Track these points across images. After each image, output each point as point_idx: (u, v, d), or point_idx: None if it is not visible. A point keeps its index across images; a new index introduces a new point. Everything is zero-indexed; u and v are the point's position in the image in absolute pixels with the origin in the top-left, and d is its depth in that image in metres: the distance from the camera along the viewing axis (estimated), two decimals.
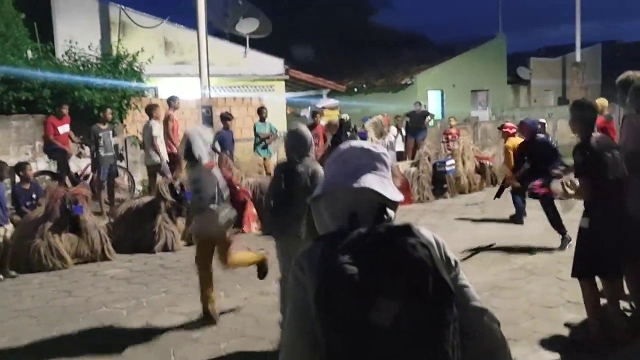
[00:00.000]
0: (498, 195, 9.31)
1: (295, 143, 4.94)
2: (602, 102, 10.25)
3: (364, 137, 11.91)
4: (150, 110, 11.21)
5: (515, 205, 9.60)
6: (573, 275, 4.74)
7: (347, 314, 1.51)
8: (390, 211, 1.74)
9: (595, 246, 4.50)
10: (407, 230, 1.61)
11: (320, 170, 4.70)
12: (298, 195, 4.65)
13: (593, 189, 4.47)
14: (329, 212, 1.75)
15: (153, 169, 11.11)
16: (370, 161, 1.77)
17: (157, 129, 11.09)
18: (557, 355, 4.68)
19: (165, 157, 11.03)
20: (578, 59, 27.76)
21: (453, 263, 1.71)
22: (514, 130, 9.43)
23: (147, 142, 11.11)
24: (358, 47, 31.63)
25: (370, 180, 1.72)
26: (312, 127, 13.10)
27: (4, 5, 12.44)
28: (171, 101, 11.81)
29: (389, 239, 1.58)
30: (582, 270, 4.66)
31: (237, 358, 4.90)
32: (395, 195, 1.74)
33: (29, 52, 12.56)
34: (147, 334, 5.44)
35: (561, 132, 21.69)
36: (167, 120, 11.54)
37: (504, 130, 9.69)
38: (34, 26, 13.50)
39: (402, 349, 1.52)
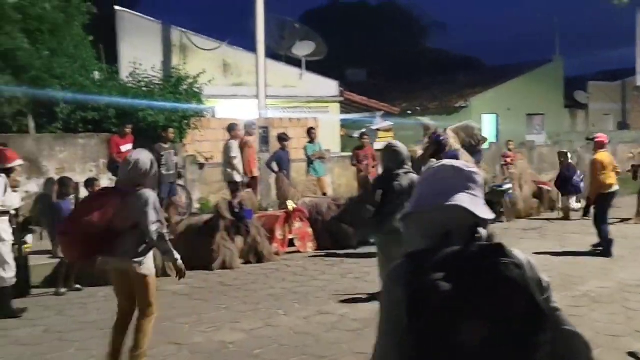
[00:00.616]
0: (585, 213, 9.34)
1: (393, 157, 5.93)
2: None
3: (453, 155, 11.78)
4: (230, 129, 11.58)
5: (601, 234, 8.99)
6: None
7: (437, 330, 1.52)
8: (482, 230, 1.74)
9: None
10: (500, 250, 1.62)
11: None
12: (398, 203, 5.41)
13: None
14: (419, 229, 1.78)
15: (232, 187, 11.37)
16: (463, 181, 1.79)
17: (235, 149, 11.41)
18: None
19: (239, 178, 11.36)
20: (639, 83, 27.07)
21: (545, 285, 1.70)
22: (607, 142, 9.22)
23: (225, 161, 11.44)
24: (411, 70, 31.73)
25: (462, 199, 1.74)
26: (360, 148, 13.17)
27: (74, 28, 12.99)
28: (248, 127, 12.07)
29: (482, 258, 1.60)
30: None
31: None
32: (487, 214, 1.75)
33: (96, 74, 13.06)
34: (209, 349, 5.55)
35: (620, 158, 21.16)
36: (243, 147, 11.82)
37: (597, 140, 9.29)
38: (100, 48, 14.06)
39: None
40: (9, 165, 6.74)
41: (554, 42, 27.88)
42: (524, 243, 10.32)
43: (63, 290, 7.76)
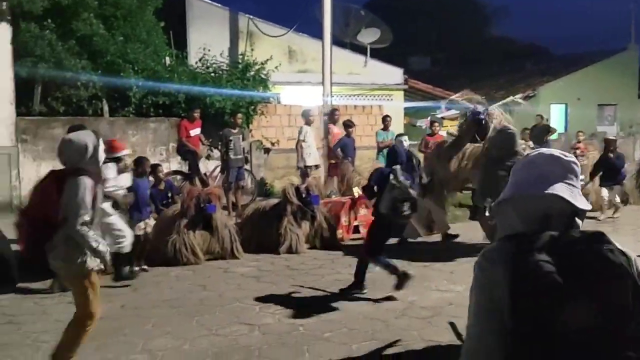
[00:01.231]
0: None
1: (506, 140, 6.80)
2: None
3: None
4: (303, 115, 12.05)
5: None
6: None
7: (542, 311, 1.53)
8: (578, 220, 1.77)
9: None
10: (601, 236, 1.64)
11: None
12: None
13: None
14: (518, 213, 1.78)
15: (301, 171, 11.52)
16: (561, 170, 1.79)
17: (305, 134, 11.57)
18: None
19: (309, 162, 11.47)
20: None
21: None
22: None
23: (298, 146, 11.75)
24: (476, 58, 31.11)
25: (561, 189, 1.74)
26: (430, 135, 13.06)
27: (147, 14, 13.29)
28: (305, 115, 12.16)
29: (585, 243, 1.61)
30: None
31: None
32: (585, 204, 1.76)
33: (167, 59, 13.35)
34: (280, 331, 5.62)
35: None
36: (327, 135, 12.17)
37: None
38: (170, 34, 14.35)
39: (593, 352, 1.53)
40: (117, 155, 7.40)
41: (629, 30, 26.79)
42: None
43: (136, 268, 7.98)
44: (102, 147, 4.33)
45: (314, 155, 11.74)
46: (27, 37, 11.31)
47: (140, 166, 8.34)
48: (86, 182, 4.05)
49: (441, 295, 6.80)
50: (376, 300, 6.52)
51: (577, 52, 29.02)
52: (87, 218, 4.04)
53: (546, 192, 1.73)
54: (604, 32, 45.63)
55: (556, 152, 1.86)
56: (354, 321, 5.86)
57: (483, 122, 8.50)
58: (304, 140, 11.67)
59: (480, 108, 9.02)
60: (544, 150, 1.88)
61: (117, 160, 7.37)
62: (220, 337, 5.46)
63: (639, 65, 26.87)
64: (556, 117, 23.33)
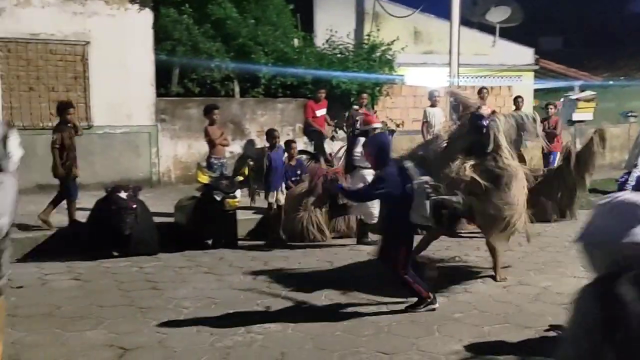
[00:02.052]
0: None
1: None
2: None
3: None
4: (429, 97, 11.99)
5: None
6: None
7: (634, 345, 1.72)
8: None
9: None
10: None
11: None
12: None
13: None
14: (604, 256, 1.90)
15: None
16: None
17: (431, 115, 11.47)
18: None
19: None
20: None
21: None
22: None
23: (424, 127, 11.80)
24: (615, 38, 29.15)
25: None
26: (546, 119, 12.34)
27: None
28: (431, 97, 11.98)
29: None
30: None
31: (502, 343, 4.82)
32: None
33: (295, 41, 13.59)
34: (409, 310, 5.58)
35: None
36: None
37: None
38: (297, 17, 14.59)
39: None
40: (373, 126, 8.31)
41: None
42: None
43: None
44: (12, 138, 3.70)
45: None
46: (166, 22, 11.92)
47: (271, 138, 8.67)
48: None
49: (578, 282, 6.46)
50: (506, 286, 6.33)
51: None
52: None
53: (627, 240, 1.82)
54: None
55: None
56: (484, 304, 5.73)
57: (484, 130, 6.13)
58: (427, 122, 11.52)
59: (484, 111, 6.36)
60: (628, 196, 1.93)
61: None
62: (348, 314, 5.52)
63: None
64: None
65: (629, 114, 14.91)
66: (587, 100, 15.95)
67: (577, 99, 15.82)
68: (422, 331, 5.07)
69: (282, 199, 8.54)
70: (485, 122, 6.14)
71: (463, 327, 5.13)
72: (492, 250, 6.55)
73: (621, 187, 8.73)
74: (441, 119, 11.63)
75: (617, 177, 9.90)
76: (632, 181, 8.77)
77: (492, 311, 5.53)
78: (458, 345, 4.77)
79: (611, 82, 22.85)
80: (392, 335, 5.00)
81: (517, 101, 12.58)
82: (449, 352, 4.64)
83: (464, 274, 6.80)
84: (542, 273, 6.75)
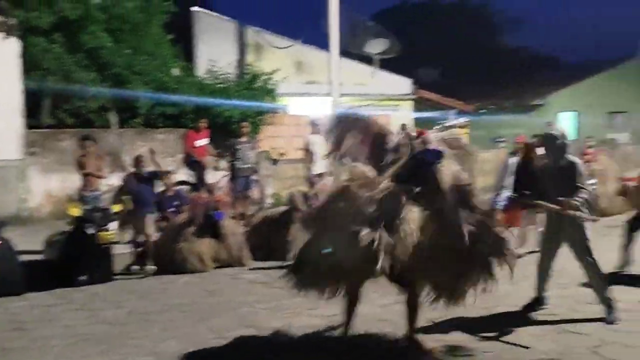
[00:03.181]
0: None
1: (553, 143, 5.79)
2: None
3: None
4: (311, 125, 11.75)
5: None
6: None
7: None
8: None
9: None
10: None
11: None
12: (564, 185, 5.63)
13: None
14: None
15: (311, 180, 11.44)
16: None
17: (316, 142, 11.48)
18: None
19: (316, 171, 11.36)
20: None
21: None
22: None
23: (307, 155, 11.61)
24: (486, 68, 31.04)
25: None
26: None
27: (153, 27, 13.38)
28: (313, 126, 12.05)
29: None
30: None
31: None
32: None
33: (175, 70, 13.40)
34: (290, 333, 5.54)
35: None
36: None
37: None
38: (178, 47, 14.43)
39: None
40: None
41: (638, 37, 26.68)
42: (605, 241, 9.87)
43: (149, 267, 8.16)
44: None
45: (320, 164, 11.61)
46: (35, 51, 11.39)
47: (136, 163, 8.53)
48: None
49: None
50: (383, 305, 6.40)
51: (587, 60, 28.92)
52: None
53: None
54: (614, 40, 45.47)
55: None
56: (362, 322, 5.76)
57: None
58: (310, 150, 11.58)
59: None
60: None
61: None
62: (227, 341, 5.38)
63: None
64: (567, 125, 23.17)
65: (498, 140, 15.77)
66: (461, 127, 16.80)
67: (452, 126, 16.61)
68: (301, 356, 5.01)
69: (150, 229, 8.27)
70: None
71: (341, 347, 5.12)
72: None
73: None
74: (322, 147, 11.72)
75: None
76: (501, 201, 9.20)
77: (368, 329, 5.57)
78: None
79: (484, 111, 24.25)
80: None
81: (404, 128, 12.97)
82: None
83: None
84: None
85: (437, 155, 4.73)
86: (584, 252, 5.68)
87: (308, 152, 11.72)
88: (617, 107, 25.46)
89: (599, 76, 25.07)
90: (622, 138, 23.32)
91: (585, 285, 6.25)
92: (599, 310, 5.73)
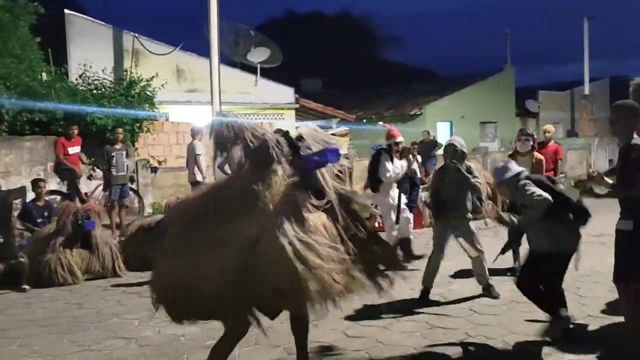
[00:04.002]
0: None
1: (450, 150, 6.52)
2: None
3: None
4: (193, 133, 11.39)
5: None
6: (617, 279, 4.47)
7: None
8: None
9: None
10: None
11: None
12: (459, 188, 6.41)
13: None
14: None
15: (195, 186, 11.10)
16: None
17: (200, 148, 11.17)
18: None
19: (199, 178, 11.05)
20: (587, 92, 27.80)
21: None
22: None
23: (190, 161, 11.19)
24: (366, 81, 31.93)
25: None
26: None
27: (19, 29, 12.63)
28: (194, 133, 11.74)
29: None
30: (626, 274, 4.42)
31: None
32: None
33: (44, 75, 12.70)
34: (159, 342, 5.37)
35: (570, 164, 21.74)
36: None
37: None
38: (48, 50, 13.71)
39: None
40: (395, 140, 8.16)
41: (506, 52, 28.44)
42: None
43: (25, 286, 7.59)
44: None
45: (202, 171, 11.39)
46: None
47: None
48: None
49: None
50: None
51: (461, 73, 30.46)
52: None
53: None
54: (485, 55, 48.30)
55: None
56: None
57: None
58: (200, 155, 11.29)
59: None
60: None
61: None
62: (93, 353, 5.12)
63: (515, 86, 28.54)
64: (442, 134, 24.24)
65: (378, 147, 16.23)
66: (342, 135, 17.12)
67: (333, 134, 16.92)
68: None
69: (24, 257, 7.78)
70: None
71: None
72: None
73: None
74: (204, 154, 11.44)
75: None
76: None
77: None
78: None
79: (364, 121, 24.88)
80: None
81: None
82: None
83: None
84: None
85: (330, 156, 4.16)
86: (472, 243, 6.53)
87: (190, 159, 11.44)
88: (488, 118, 27.01)
89: (471, 88, 26.50)
90: (492, 146, 24.74)
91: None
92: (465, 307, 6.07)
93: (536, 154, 7.75)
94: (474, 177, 6.53)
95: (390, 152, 8.07)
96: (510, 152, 8.03)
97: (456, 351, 4.91)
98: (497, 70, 28.02)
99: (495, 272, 7.08)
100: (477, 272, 6.67)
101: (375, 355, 4.81)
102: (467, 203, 6.48)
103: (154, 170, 13.40)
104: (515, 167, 5.42)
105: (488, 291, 6.59)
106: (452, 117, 25.45)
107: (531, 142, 7.69)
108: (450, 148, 6.59)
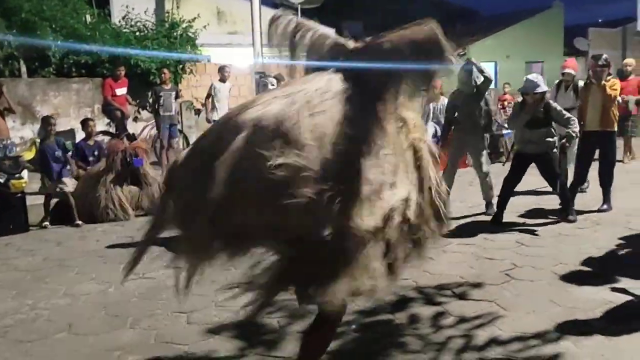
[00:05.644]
0: None
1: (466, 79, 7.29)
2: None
3: None
4: (218, 71, 11.45)
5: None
6: None
7: None
8: None
9: None
10: None
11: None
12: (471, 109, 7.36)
13: None
14: None
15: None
16: None
17: (216, 89, 11.19)
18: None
19: (214, 117, 11.08)
20: (639, 28, 26.62)
21: None
22: None
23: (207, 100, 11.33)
24: (410, 21, 31.24)
25: None
26: None
27: None
28: (221, 71, 11.70)
29: None
30: None
31: None
32: None
33: (88, 17, 12.78)
34: (210, 270, 5.49)
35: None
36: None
37: None
38: None
39: None
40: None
41: None
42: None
43: (46, 223, 7.82)
44: None
45: (223, 111, 11.32)
46: None
47: (45, 125, 8.15)
48: None
49: None
50: None
51: (505, 11, 29.53)
52: None
53: None
54: None
55: None
56: None
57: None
58: (215, 96, 11.31)
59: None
60: None
61: None
62: (147, 280, 5.29)
63: (563, 23, 27.53)
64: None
65: None
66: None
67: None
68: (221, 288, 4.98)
69: (67, 186, 7.98)
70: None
71: None
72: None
73: None
74: (227, 94, 11.42)
75: None
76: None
77: None
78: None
79: None
80: (191, 295, 4.84)
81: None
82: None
83: None
84: None
85: None
86: (480, 163, 7.34)
87: (210, 99, 11.45)
88: (534, 57, 26.22)
89: (517, 26, 25.68)
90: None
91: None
92: (510, 238, 6.09)
93: (614, 82, 7.22)
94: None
95: None
96: (583, 84, 7.40)
97: (504, 279, 4.92)
98: (545, 8, 27.04)
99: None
100: (483, 189, 7.41)
101: (424, 283, 4.85)
102: (479, 122, 7.33)
103: (197, 112, 13.49)
104: (544, 86, 6.67)
105: (487, 208, 7.34)
106: (497, 56, 24.80)
107: (607, 71, 7.13)
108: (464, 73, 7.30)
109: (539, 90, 6.62)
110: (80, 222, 7.84)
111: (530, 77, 6.89)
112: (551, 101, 6.90)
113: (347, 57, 2.71)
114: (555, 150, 6.74)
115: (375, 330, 4.02)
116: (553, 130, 6.72)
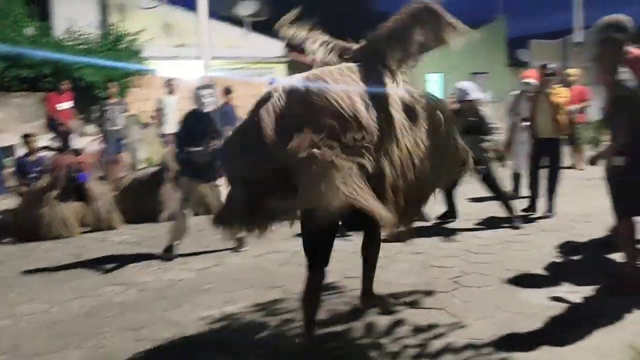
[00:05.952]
0: None
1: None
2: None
3: None
4: (165, 85, 11.38)
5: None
6: (618, 214, 4.57)
7: None
8: None
9: (635, 185, 4.35)
10: None
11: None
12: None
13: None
14: None
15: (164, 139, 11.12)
16: None
17: (162, 102, 11.11)
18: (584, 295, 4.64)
19: (166, 131, 11.00)
20: (579, 39, 27.55)
21: None
22: None
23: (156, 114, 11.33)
24: (358, 33, 31.57)
25: None
26: None
27: None
28: (167, 84, 11.66)
29: None
30: (622, 209, 4.50)
31: (249, 306, 4.84)
32: None
33: (29, 30, 12.46)
34: (158, 286, 5.41)
35: None
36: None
37: None
38: (32, 6, 13.42)
39: None
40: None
41: (498, 2, 28.14)
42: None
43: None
44: None
45: (171, 124, 11.28)
46: None
47: None
48: None
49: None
50: (257, 255, 6.40)
51: None
52: None
53: None
54: (477, 4, 47.72)
55: None
56: (235, 273, 5.73)
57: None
58: (161, 110, 11.31)
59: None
60: None
61: None
62: (92, 298, 5.16)
63: (506, 36, 28.31)
64: (433, 85, 24.17)
65: None
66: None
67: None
68: (171, 304, 4.90)
69: None
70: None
71: (212, 296, 5.05)
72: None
73: None
74: (174, 107, 11.37)
75: None
76: None
77: (241, 278, 5.54)
78: (206, 312, 4.68)
79: None
80: (139, 312, 4.75)
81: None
82: (196, 319, 4.53)
83: (217, 248, 6.71)
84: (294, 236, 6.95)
85: None
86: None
87: (159, 112, 11.41)
88: (479, 68, 26.84)
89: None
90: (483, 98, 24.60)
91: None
92: (458, 247, 6.17)
93: (561, 90, 7.50)
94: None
95: None
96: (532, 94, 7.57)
97: (453, 286, 4.98)
98: (488, 21, 27.76)
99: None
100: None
101: (376, 292, 4.85)
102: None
103: (145, 125, 13.29)
104: (475, 93, 6.90)
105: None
106: (443, 68, 25.29)
107: (554, 80, 7.43)
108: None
109: (467, 97, 6.90)
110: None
111: (459, 85, 7.18)
112: (482, 109, 7.01)
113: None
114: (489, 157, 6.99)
115: (333, 339, 4.01)
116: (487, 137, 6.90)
